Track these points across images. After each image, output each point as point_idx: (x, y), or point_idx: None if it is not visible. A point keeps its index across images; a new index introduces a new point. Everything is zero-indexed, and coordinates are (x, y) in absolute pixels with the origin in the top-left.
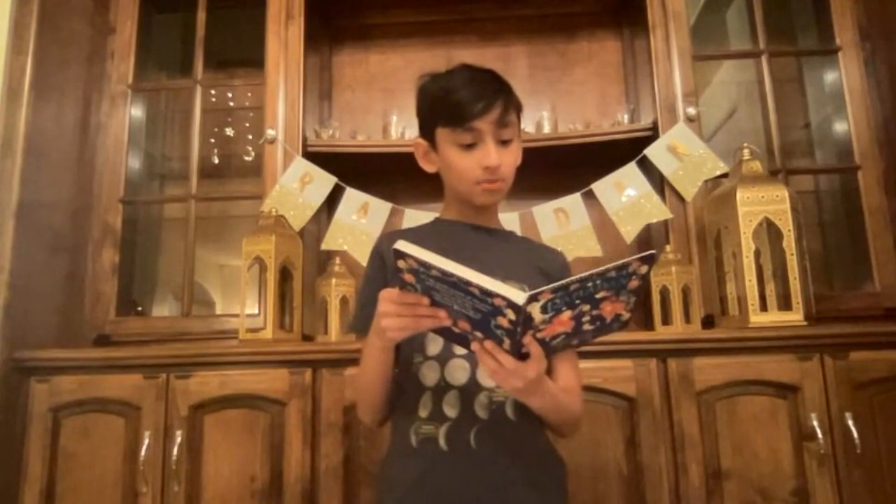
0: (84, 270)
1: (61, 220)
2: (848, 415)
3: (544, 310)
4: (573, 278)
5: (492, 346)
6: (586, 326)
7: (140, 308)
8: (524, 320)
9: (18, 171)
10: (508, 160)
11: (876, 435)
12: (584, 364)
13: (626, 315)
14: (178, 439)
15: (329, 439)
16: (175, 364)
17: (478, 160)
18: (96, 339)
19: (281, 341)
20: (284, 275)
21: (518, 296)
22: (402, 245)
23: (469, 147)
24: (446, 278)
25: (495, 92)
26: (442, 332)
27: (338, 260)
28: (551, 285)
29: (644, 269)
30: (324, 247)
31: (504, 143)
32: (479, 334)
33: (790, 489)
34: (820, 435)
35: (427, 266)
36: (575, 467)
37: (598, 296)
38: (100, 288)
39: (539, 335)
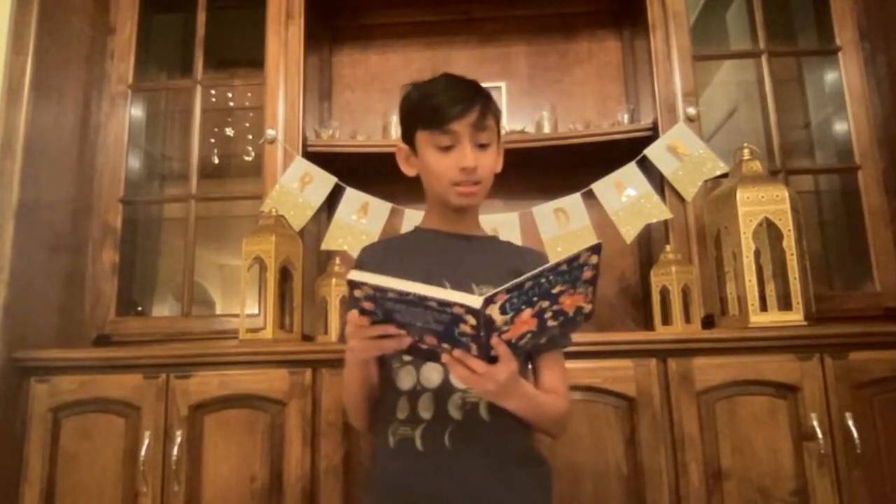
0: (84, 270)
1: (61, 220)
2: (848, 415)
3: (503, 311)
4: (526, 276)
5: (460, 353)
6: (550, 323)
7: (140, 308)
8: (485, 323)
9: (18, 171)
10: (485, 163)
11: (876, 435)
12: (585, 364)
13: (587, 307)
14: (178, 439)
15: (329, 439)
16: (175, 364)
17: (455, 161)
18: (96, 339)
19: (281, 341)
20: (284, 275)
21: (474, 300)
22: (354, 275)
23: (447, 149)
24: (403, 298)
25: (473, 97)
26: (410, 350)
27: (338, 260)
28: (505, 286)
29: (594, 258)
30: (324, 247)
31: (481, 147)
32: (446, 345)
33: (790, 489)
34: (820, 435)
35: (383, 290)
36: (575, 467)
37: (555, 290)
38: (100, 288)
39: (504, 336)
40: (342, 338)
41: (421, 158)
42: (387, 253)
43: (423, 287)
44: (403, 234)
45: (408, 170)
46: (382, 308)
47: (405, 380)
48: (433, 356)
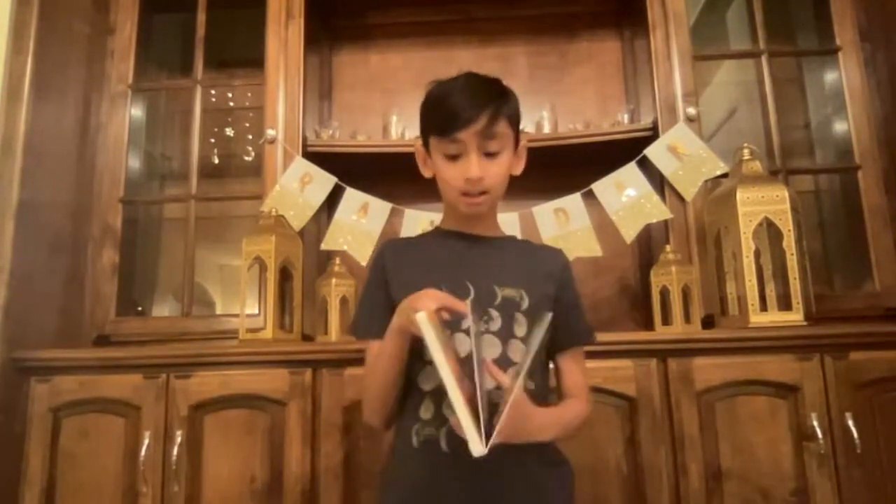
0: (84, 270)
1: (61, 220)
2: (848, 415)
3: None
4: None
5: (457, 424)
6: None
7: (140, 308)
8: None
9: (18, 171)
10: (493, 172)
11: (876, 435)
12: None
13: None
14: (178, 439)
15: (329, 439)
16: (175, 364)
17: (461, 171)
18: (96, 339)
19: (281, 341)
20: (284, 275)
21: (476, 447)
22: (419, 316)
23: (454, 158)
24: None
25: (483, 104)
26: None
27: (338, 260)
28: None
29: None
30: (324, 247)
31: (490, 155)
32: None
33: (790, 489)
34: (820, 435)
35: (425, 348)
36: (575, 467)
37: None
38: (100, 288)
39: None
40: (357, 330)
41: (433, 163)
42: (407, 252)
43: (456, 391)
44: (424, 233)
45: (425, 172)
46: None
47: (427, 380)
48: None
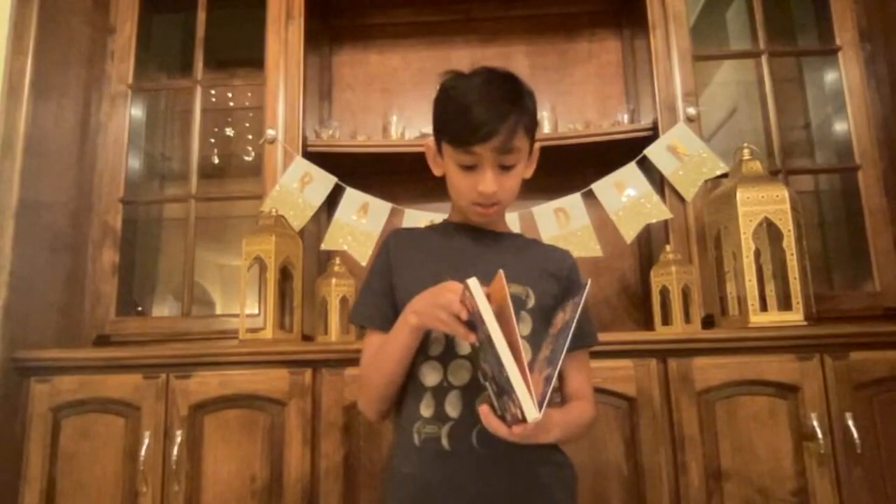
0: (84, 270)
1: (61, 220)
2: (848, 415)
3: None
4: (559, 362)
5: (487, 413)
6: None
7: (140, 308)
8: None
9: (18, 171)
10: (507, 185)
11: (876, 435)
12: None
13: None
14: (178, 439)
15: (329, 439)
16: (175, 364)
17: (475, 182)
18: (96, 339)
19: (281, 341)
20: (284, 275)
21: (531, 412)
22: (472, 282)
23: (469, 168)
24: (488, 338)
25: (503, 115)
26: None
27: (338, 260)
28: (552, 384)
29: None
30: (324, 247)
31: (505, 168)
32: (495, 387)
33: (790, 489)
34: (820, 435)
35: (480, 318)
36: (575, 467)
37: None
38: (100, 288)
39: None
40: (357, 317)
41: (445, 165)
42: (414, 242)
43: (507, 354)
44: (433, 225)
45: (435, 169)
46: (471, 319)
47: (429, 376)
48: (483, 377)
